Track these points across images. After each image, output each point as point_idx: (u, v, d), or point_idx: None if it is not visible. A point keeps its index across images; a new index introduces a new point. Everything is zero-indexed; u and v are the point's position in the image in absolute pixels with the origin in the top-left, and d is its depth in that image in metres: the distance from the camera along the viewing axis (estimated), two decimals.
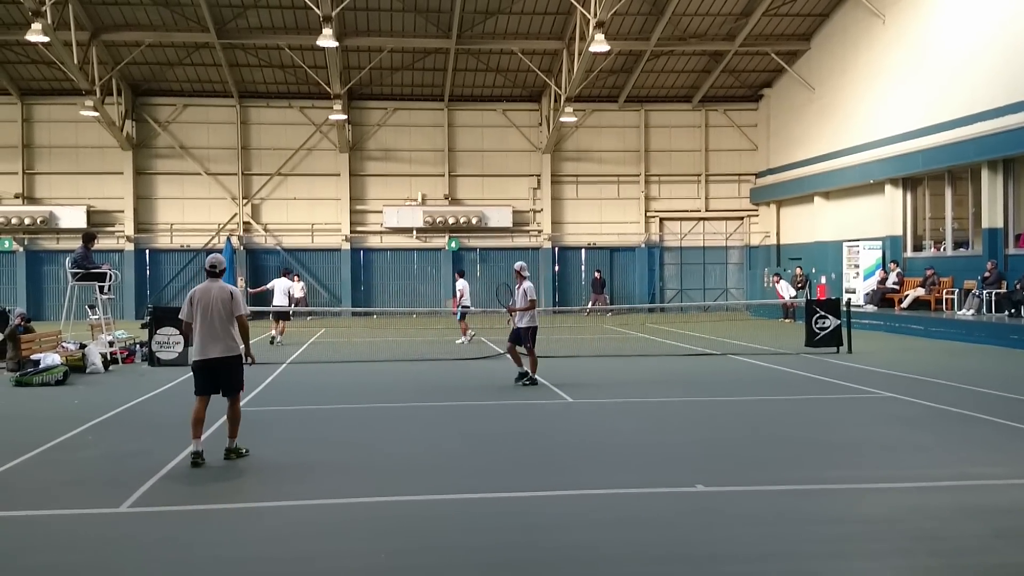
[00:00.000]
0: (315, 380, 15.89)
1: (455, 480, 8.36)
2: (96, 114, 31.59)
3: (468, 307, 23.30)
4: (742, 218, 38.32)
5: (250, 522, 7.09)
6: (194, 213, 35.77)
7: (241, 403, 9.62)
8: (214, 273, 9.51)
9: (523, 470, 8.72)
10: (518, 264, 15.42)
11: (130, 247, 35.14)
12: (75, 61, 28.64)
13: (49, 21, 25.64)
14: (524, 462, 9.08)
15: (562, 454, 9.44)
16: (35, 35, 24.88)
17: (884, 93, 28.84)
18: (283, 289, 23.53)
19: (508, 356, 15.46)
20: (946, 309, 25.41)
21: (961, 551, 6.17)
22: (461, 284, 23.48)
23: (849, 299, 22.82)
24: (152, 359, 17.90)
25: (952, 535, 6.52)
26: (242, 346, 9.43)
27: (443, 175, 36.60)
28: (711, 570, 5.88)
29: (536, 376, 14.76)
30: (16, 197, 34.78)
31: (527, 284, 14.94)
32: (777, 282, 32.16)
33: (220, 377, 9.28)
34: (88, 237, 19.09)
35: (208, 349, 9.20)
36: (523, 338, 14.80)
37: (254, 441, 10.26)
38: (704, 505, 7.46)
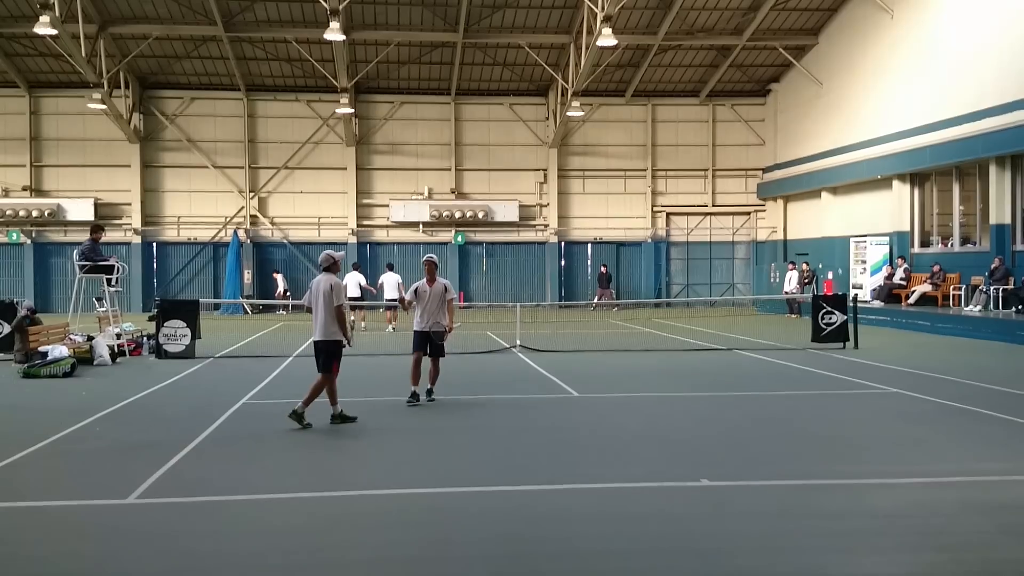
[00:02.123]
0: None
1: (461, 473, 8.39)
2: (104, 107, 31.64)
3: (393, 299, 24.50)
4: (749, 213, 38.28)
5: (257, 514, 7.12)
6: (201, 206, 35.83)
7: (330, 380, 10.78)
8: (325, 268, 10.83)
9: (529, 464, 8.73)
10: (432, 257, 12.63)
11: (137, 240, 35.22)
12: (83, 54, 28.68)
13: (57, 14, 25.66)
14: (530, 456, 9.09)
15: (568, 448, 9.45)
16: (43, 28, 24.91)
17: (892, 88, 28.76)
18: (355, 283, 25.42)
19: (410, 370, 12.34)
20: (953, 305, 25.37)
21: (966, 547, 6.18)
22: (384, 277, 25.93)
23: (856, 295, 22.78)
24: (159, 352, 17.95)
25: (957, 531, 6.53)
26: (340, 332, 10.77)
27: (449, 169, 36.60)
28: (717, 564, 5.90)
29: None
30: (24, 190, 34.87)
31: (444, 280, 12.61)
32: (792, 269, 32.02)
33: (318, 356, 10.78)
34: (95, 228, 19.20)
35: (315, 332, 10.78)
36: (436, 346, 12.36)
37: (260, 432, 10.32)
38: (710, 499, 7.46)
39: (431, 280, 12.41)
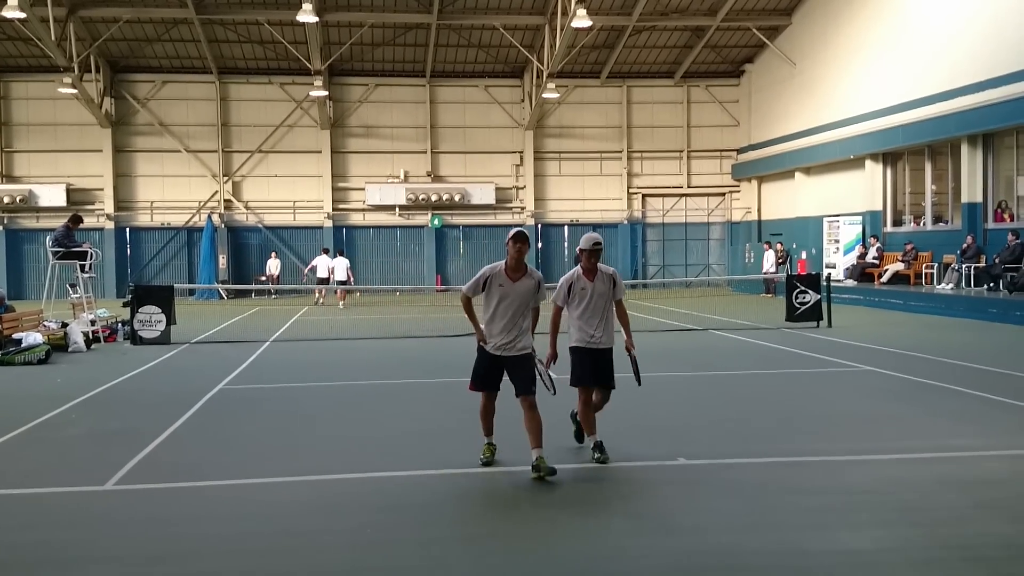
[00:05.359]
0: (299, 358, 15.88)
1: (442, 455, 8.40)
2: (74, 91, 31.24)
3: (343, 281, 29.12)
4: (724, 194, 38.41)
5: (236, 499, 7.10)
6: (174, 191, 35.52)
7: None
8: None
9: (509, 445, 8.74)
10: (596, 238, 8.27)
11: (110, 225, 34.89)
12: (52, 38, 28.28)
13: None
14: (509, 437, 9.10)
15: (546, 429, 9.43)
16: (11, 11, 24.53)
17: (865, 68, 28.89)
18: (324, 265, 29.95)
19: (577, 417, 8.61)
20: (925, 283, 25.61)
21: (941, 522, 6.26)
22: (335, 261, 29.88)
23: (829, 274, 22.96)
24: (134, 338, 17.81)
25: (932, 506, 6.61)
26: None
27: (425, 152, 36.46)
28: (695, 541, 5.94)
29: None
30: None
31: (610, 269, 8.39)
32: (767, 249, 32.26)
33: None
34: (76, 219, 19.06)
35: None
36: (606, 372, 8.36)
37: (238, 418, 10.29)
38: (687, 477, 7.52)
39: (592, 273, 8.19)
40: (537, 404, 7.71)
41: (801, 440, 8.87)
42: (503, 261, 7.77)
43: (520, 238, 7.67)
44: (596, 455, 7.96)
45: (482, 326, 7.89)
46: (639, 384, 8.37)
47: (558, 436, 8.42)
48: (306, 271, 30.62)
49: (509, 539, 6.09)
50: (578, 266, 8.19)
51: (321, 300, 30.10)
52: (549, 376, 8.03)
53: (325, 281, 29.62)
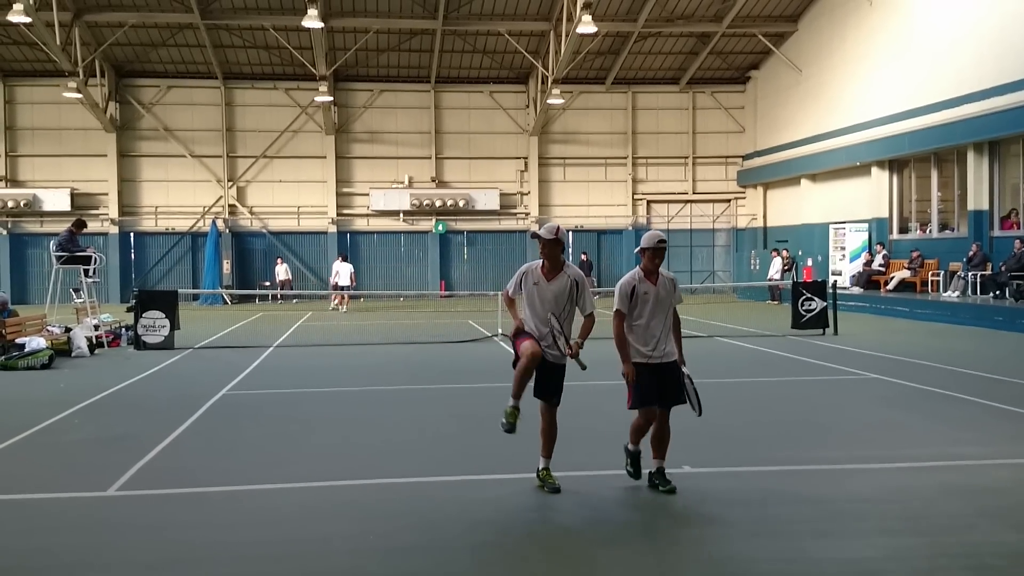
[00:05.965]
0: (302, 363, 15.87)
1: (446, 462, 8.38)
2: (79, 96, 31.31)
3: (348, 286, 30.33)
4: (729, 200, 38.38)
5: (239, 505, 7.08)
6: (179, 196, 35.57)
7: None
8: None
9: (513, 452, 8.72)
10: (660, 236, 7.45)
11: (115, 230, 34.94)
12: (58, 42, 28.35)
13: (31, 1, 25.36)
14: (514, 444, 9.07)
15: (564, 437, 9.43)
16: (17, 16, 24.63)
17: (871, 75, 28.87)
18: (347, 271, 30.78)
19: (632, 439, 7.72)
20: (931, 291, 25.56)
21: (944, 530, 6.23)
22: (338, 265, 30.83)
23: (835, 281, 22.91)
24: (138, 343, 17.81)
25: (935, 514, 6.58)
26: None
27: (430, 157, 36.49)
28: (700, 549, 5.92)
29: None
30: None
31: (669, 274, 7.54)
32: (775, 256, 32.23)
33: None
34: (79, 224, 19.10)
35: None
36: (673, 392, 7.47)
37: (241, 423, 10.27)
38: (692, 486, 7.48)
39: (655, 275, 7.37)
40: (557, 417, 7.62)
41: (806, 448, 8.84)
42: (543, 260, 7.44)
43: (537, 236, 7.29)
44: (666, 484, 7.34)
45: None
46: (700, 413, 7.41)
47: (565, 440, 8.37)
48: (332, 282, 31.45)
49: (510, 546, 6.07)
50: (638, 267, 7.45)
51: (335, 305, 30.49)
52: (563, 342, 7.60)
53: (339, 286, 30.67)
